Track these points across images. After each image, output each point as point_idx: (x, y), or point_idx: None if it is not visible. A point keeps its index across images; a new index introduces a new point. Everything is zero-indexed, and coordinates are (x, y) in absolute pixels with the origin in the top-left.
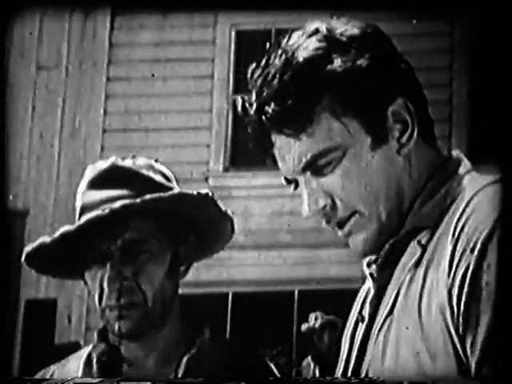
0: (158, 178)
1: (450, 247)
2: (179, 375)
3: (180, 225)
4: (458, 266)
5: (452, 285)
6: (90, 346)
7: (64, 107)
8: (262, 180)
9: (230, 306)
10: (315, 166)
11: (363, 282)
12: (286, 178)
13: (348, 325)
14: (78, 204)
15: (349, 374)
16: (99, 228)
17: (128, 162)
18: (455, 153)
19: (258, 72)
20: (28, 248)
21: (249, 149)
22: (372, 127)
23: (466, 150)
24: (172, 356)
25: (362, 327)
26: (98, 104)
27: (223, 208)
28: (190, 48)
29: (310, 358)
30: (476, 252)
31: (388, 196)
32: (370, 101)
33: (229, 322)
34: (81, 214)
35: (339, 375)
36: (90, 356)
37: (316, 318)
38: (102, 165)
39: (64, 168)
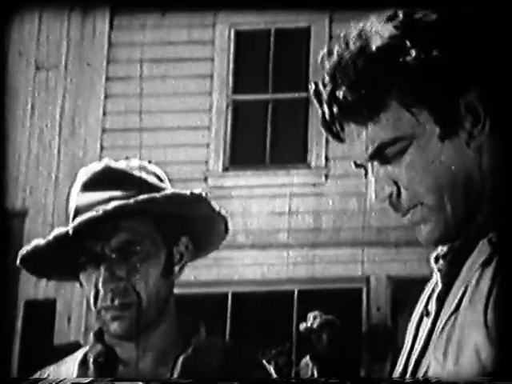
0: (151, 178)
1: None
2: (175, 375)
3: (174, 225)
4: None
5: None
6: (87, 347)
7: (63, 107)
8: (262, 180)
9: (229, 305)
10: (382, 154)
11: (430, 276)
12: (355, 162)
13: (413, 318)
14: (72, 206)
15: (410, 368)
16: (93, 229)
17: (121, 164)
18: None
19: (331, 57)
20: (23, 251)
21: (248, 148)
22: (442, 118)
23: None
24: (168, 356)
25: (427, 322)
26: (97, 104)
27: (217, 208)
28: (190, 48)
29: (308, 357)
30: None
31: (454, 189)
32: (441, 92)
33: (228, 321)
34: (75, 216)
35: (400, 369)
36: (85, 357)
37: (315, 318)
38: (95, 167)
39: (63, 168)
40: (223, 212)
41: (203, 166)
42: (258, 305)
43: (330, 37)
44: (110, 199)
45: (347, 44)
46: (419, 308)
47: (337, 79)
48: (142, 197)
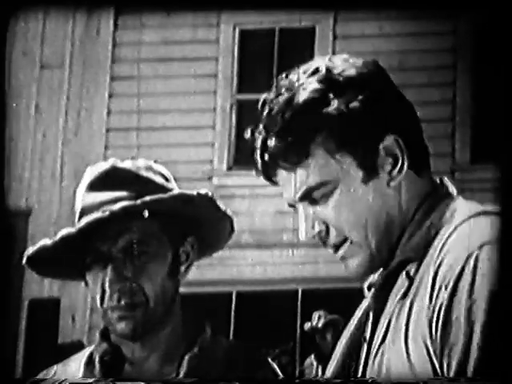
0: (158, 178)
1: (430, 281)
2: (181, 374)
3: (180, 225)
4: (436, 300)
5: (432, 316)
6: (92, 346)
7: (67, 106)
8: None
9: (233, 304)
10: (310, 197)
11: (364, 299)
12: (289, 203)
13: (345, 335)
14: (78, 206)
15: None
16: (99, 230)
17: (127, 164)
18: (444, 180)
19: (266, 105)
20: (29, 251)
21: (250, 146)
22: (364, 163)
23: (469, 150)
24: (174, 355)
25: (364, 348)
26: (101, 103)
27: (223, 208)
28: (194, 47)
29: (312, 357)
30: (449, 289)
31: (377, 226)
32: (362, 139)
33: (232, 320)
34: (81, 216)
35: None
36: (91, 356)
37: (319, 317)
38: (102, 166)
39: (67, 167)
40: (229, 212)
41: (207, 165)
42: (262, 304)
43: (335, 36)
44: (117, 199)
45: (278, 94)
46: (351, 328)
47: (268, 129)
48: (149, 197)
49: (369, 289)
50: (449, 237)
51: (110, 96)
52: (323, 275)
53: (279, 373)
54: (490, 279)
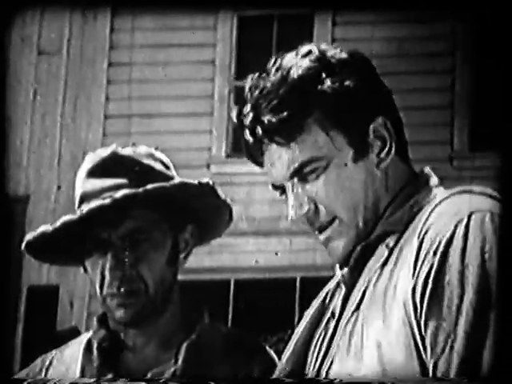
0: (158, 166)
1: (415, 248)
2: (179, 361)
3: (180, 213)
4: (422, 265)
5: (416, 283)
6: (90, 332)
7: (65, 93)
8: None
9: (231, 292)
10: (302, 173)
11: (332, 280)
12: (273, 185)
13: (307, 315)
14: (78, 192)
15: (314, 367)
16: (100, 217)
17: (128, 151)
18: (425, 170)
19: (255, 85)
20: (29, 236)
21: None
22: (355, 141)
23: (468, 137)
24: (172, 342)
25: (332, 323)
26: (99, 90)
27: (223, 197)
28: (192, 34)
29: None
30: (438, 254)
31: (366, 205)
32: (354, 117)
33: (230, 308)
34: (81, 202)
35: (311, 372)
36: (90, 342)
37: None
38: (103, 153)
39: (65, 154)
40: (229, 201)
41: (206, 152)
42: (260, 292)
43: (334, 23)
44: (118, 186)
45: (267, 76)
46: (315, 307)
47: (260, 106)
48: (151, 186)
49: (341, 267)
50: (433, 209)
51: (108, 82)
52: (321, 263)
53: (277, 361)
54: (481, 245)
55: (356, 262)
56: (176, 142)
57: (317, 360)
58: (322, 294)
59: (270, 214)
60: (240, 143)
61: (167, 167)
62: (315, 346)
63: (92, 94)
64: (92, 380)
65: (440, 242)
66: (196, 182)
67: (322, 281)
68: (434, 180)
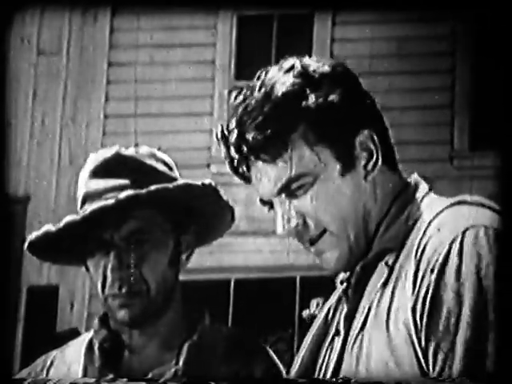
0: (161, 167)
1: (413, 267)
2: (181, 361)
3: (183, 214)
4: (420, 285)
5: (415, 302)
6: (91, 332)
7: (65, 93)
8: None
9: (231, 292)
10: (289, 190)
11: (334, 294)
12: (261, 200)
13: (312, 329)
14: (81, 192)
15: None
16: (103, 217)
17: (131, 151)
18: (414, 177)
19: (240, 102)
20: (32, 236)
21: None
22: (341, 155)
23: (468, 137)
24: (173, 343)
25: (338, 341)
26: (99, 89)
27: (225, 198)
28: (192, 33)
29: None
30: (435, 273)
31: (355, 218)
32: (339, 132)
33: (231, 308)
34: (83, 203)
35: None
36: (91, 342)
37: (317, 305)
38: (105, 153)
39: (65, 154)
40: (231, 202)
41: (206, 152)
42: (260, 291)
43: (334, 23)
44: (120, 187)
45: (251, 92)
46: (318, 322)
47: (245, 123)
48: (154, 187)
49: (341, 283)
50: (429, 224)
51: (108, 82)
52: None
53: (277, 362)
54: (476, 262)
55: (357, 282)
56: (176, 141)
57: (325, 376)
58: (324, 309)
59: (270, 213)
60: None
61: (170, 168)
62: (323, 362)
63: (92, 94)
64: (93, 380)
65: (437, 261)
66: (199, 183)
67: (321, 281)
68: (423, 187)
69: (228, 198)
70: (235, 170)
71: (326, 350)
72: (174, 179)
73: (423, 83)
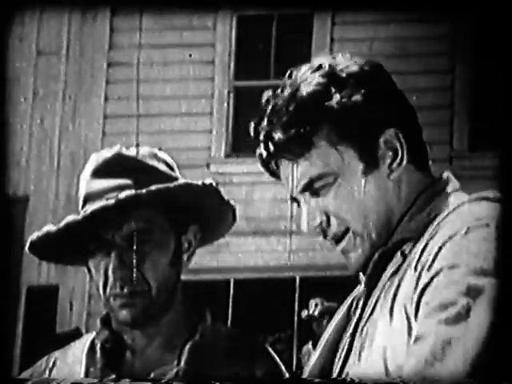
0: (162, 167)
1: (417, 260)
2: (182, 362)
3: (184, 214)
4: (418, 279)
5: (414, 293)
6: (93, 333)
7: (64, 93)
8: None
9: (231, 292)
10: (312, 188)
11: (358, 287)
12: (291, 197)
13: (335, 319)
14: (82, 192)
15: (337, 369)
16: (104, 217)
17: (132, 151)
18: (445, 174)
19: (270, 101)
20: (33, 236)
21: (250, 135)
22: (364, 155)
23: (467, 137)
24: (175, 343)
25: (350, 328)
26: (98, 90)
27: (226, 198)
28: (191, 33)
29: (310, 345)
30: (431, 271)
31: (378, 217)
32: (362, 132)
33: (230, 308)
34: (84, 203)
35: (337, 370)
36: (93, 343)
37: (316, 305)
38: (106, 153)
39: (65, 154)
40: (232, 201)
41: (205, 152)
42: (259, 291)
43: (333, 23)
44: (122, 187)
45: (281, 91)
46: (341, 313)
47: (271, 122)
48: (155, 187)
49: (364, 272)
50: (446, 216)
51: (107, 82)
52: (320, 263)
53: (278, 361)
54: (475, 259)
55: (374, 268)
56: (175, 141)
57: (339, 364)
58: (348, 301)
59: (270, 214)
60: (239, 143)
61: (171, 168)
62: (342, 350)
63: (91, 94)
64: (95, 380)
65: (434, 259)
66: (200, 182)
67: (320, 281)
68: (452, 185)
69: (228, 197)
70: (266, 166)
71: (346, 340)
72: (176, 179)
73: (423, 83)
